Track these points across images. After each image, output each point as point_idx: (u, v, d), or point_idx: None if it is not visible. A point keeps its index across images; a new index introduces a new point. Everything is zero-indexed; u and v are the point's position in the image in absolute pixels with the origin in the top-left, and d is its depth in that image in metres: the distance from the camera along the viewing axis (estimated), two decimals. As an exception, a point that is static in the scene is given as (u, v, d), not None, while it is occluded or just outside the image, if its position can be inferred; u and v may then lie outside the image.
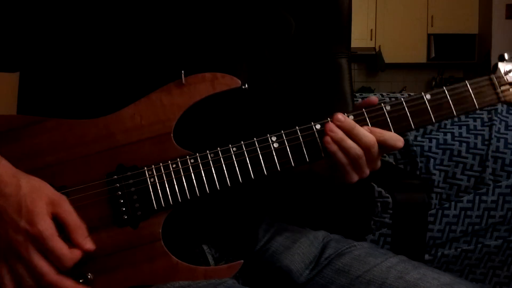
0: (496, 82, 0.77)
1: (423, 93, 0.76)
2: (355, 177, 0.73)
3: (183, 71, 0.73)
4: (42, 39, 0.75)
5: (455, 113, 0.76)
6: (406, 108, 0.75)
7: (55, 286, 0.64)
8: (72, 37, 0.75)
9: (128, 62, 0.75)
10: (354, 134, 0.71)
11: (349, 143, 0.71)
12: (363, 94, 1.64)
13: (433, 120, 0.75)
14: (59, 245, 0.63)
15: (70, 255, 0.64)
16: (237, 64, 0.83)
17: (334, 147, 0.71)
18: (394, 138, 0.72)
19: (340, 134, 0.71)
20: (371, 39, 5.99)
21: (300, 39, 1.27)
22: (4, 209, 0.61)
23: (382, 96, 1.60)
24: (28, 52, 0.77)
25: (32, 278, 0.63)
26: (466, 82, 0.76)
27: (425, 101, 0.75)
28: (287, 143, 0.73)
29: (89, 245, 0.66)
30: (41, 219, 0.62)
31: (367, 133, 0.71)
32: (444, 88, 0.76)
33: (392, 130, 0.74)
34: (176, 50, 0.78)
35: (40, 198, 0.63)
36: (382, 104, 0.75)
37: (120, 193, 0.70)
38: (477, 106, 0.76)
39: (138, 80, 0.75)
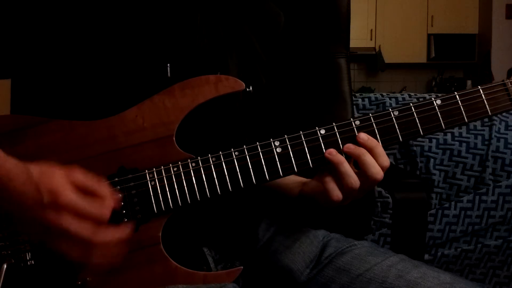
0: (511, 88, 0.74)
1: (433, 98, 0.73)
2: (340, 195, 0.72)
3: (168, 64, 0.73)
4: (33, 44, 0.75)
5: (466, 119, 0.73)
6: (415, 113, 0.72)
7: (103, 241, 0.63)
8: (61, 39, 0.75)
9: (115, 59, 0.75)
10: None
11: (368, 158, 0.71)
12: (363, 94, 1.64)
13: (443, 127, 0.73)
14: (89, 205, 0.62)
15: (103, 210, 0.63)
16: (226, 58, 0.82)
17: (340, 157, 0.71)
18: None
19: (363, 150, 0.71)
20: (371, 39, 5.98)
21: (299, 39, 1.27)
22: (24, 196, 0.60)
23: (382, 96, 1.60)
24: (19, 58, 0.77)
25: (78, 248, 0.62)
26: (479, 87, 0.74)
27: (435, 107, 0.73)
28: (291, 148, 0.72)
29: (116, 198, 0.65)
30: (63, 191, 0.61)
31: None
32: (456, 93, 0.74)
33: (400, 137, 0.72)
34: (163, 45, 0.77)
35: (53, 174, 0.62)
36: (390, 109, 0.73)
37: (120, 195, 0.70)
38: (489, 113, 0.73)
39: (125, 76, 0.75)
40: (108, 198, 0.64)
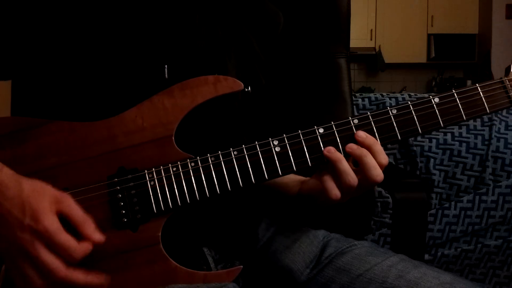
0: (509, 86, 0.74)
1: (431, 96, 0.73)
2: (338, 193, 0.72)
3: (166, 66, 0.73)
4: (33, 45, 0.75)
5: (464, 117, 0.73)
6: (413, 112, 0.73)
7: (66, 280, 0.63)
8: (60, 41, 0.75)
9: (113, 60, 0.75)
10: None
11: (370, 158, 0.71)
12: (363, 94, 1.64)
13: (442, 124, 0.73)
14: (67, 238, 0.62)
15: (79, 247, 0.63)
16: (225, 58, 0.82)
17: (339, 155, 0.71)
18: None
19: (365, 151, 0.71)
20: (371, 39, 5.99)
21: (298, 39, 1.27)
22: (8, 211, 0.61)
23: (382, 96, 1.60)
24: (19, 60, 0.77)
25: (42, 276, 0.62)
26: (477, 85, 0.74)
27: (433, 105, 0.73)
28: (289, 147, 0.72)
29: (98, 236, 0.65)
30: (46, 215, 0.61)
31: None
32: (454, 91, 0.74)
33: (399, 135, 0.73)
34: (160, 45, 0.77)
35: (43, 197, 0.62)
36: (388, 108, 0.73)
37: (120, 195, 0.70)
38: (488, 110, 0.73)
39: (123, 78, 0.75)
40: (91, 236, 0.64)
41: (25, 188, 0.62)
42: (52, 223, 0.61)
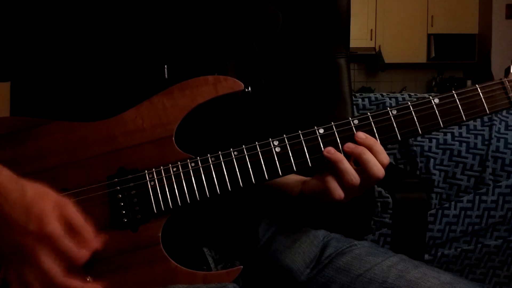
0: (509, 86, 0.74)
1: (431, 97, 0.73)
2: (341, 194, 0.72)
3: (166, 66, 0.73)
4: (32, 46, 0.75)
5: (464, 118, 0.73)
6: (413, 112, 0.73)
7: (64, 287, 0.62)
8: (59, 41, 0.74)
9: (113, 60, 0.75)
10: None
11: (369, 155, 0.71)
12: (363, 94, 1.64)
13: (442, 125, 0.73)
14: (70, 244, 0.62)
15: (81, 254, 0.63)
16: (224, 58, 0.82)
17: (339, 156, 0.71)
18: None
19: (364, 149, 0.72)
20: (371, 39, 5.99)
21: (298, 39, 1.27)
22: (9, 215, 0.60)
23: (382, 96, 1.60)
24: (18, 60, 0.77)
25: (40, 281, 0.61)
26: (477, 86, 0.74)
27: (433, 105, 0.73)
28: (289, 148, 0.72)
29: (98, 243, 0.65)
30: (50, 221, 0.61)
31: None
32: (453, 91, 0.74)
33: (399, 136, 0.73)
34: (160, 46, 0.77)
35: (46, 201, 0.62)
36: (388, 108, 0.73)
37: (120, 196, 0.70)
38: (487, 111, 0.73)
39: (123, 78, 0.75)
40: (90, 243, 0.64)
41: (28, 192, 0.61)
42: (56, 228, 0.61)
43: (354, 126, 0.73)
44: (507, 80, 0.75)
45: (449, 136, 1.48)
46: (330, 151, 0.71)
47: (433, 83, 6.14)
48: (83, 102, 0.75)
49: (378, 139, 0.72)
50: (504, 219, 1.46)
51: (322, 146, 0.72)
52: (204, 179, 0.70)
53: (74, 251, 0.62)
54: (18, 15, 0.74)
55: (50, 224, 0.60)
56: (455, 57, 5.98)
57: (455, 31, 5.92)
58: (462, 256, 1.47)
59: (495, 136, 1.47)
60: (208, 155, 0.71)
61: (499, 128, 1.49)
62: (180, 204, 0.70)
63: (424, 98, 0.74)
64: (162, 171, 0.70)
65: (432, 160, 1.47)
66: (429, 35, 5.98)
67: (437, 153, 1.48)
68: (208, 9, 0.83)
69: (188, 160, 0.71)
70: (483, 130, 1.49)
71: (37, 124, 0.71)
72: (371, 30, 5.97)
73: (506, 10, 5.51)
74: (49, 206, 0.62)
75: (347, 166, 0.70)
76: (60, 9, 0.74)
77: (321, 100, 1.29)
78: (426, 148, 1.48)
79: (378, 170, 0.71)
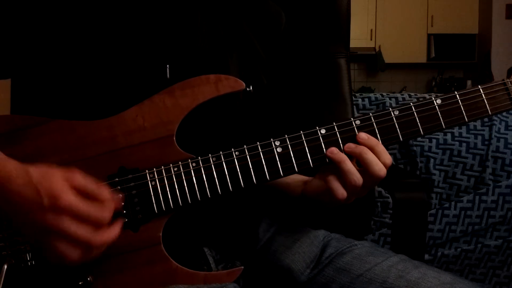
0: (511, 87, 0.74)
1: (433, 98, 0.73)
2: (344, 193, 0.72)
3: (168, 65, 0.73)
4: (33, 44, 0.75)
5: (466, 119, 0.73)
6: (415, 113, 0.72)
7: (103, 242, 0.63)
8: (61, 40, 0.75)
9: (115, 59, 0.75)
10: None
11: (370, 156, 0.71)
12: (363, 94, 1.64)
13: (443, 126, 0.73)
14: (90, 208, 0.62)
15: (103, 213, 0.63)
16: (226, 58, 0.82)
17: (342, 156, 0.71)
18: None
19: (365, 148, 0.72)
20: (371, 39, 5.99)
21: (298, 39, 1.27)
22: (22, 199, 0.61)
23: (382, 96, 1.60)
24: (19, 58, 0.77)
25: (77, 248, 0.62)
26: (479, 86, 0.74)
27: (435, 106, 0.73)
28: (291, 148, 0.72)
29: (117, 197, 0.66)
30: (63, 192, 0.61)
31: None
32: (456, 92, 0.74)
33: (400, 136, 0.73)
34: (162, 45, 0.77)
35: (53, 177, 0.62)
36: (390, 109, 0.73)
37: (121, 195, 0.70)
38: (489, 112, 0.73)
39: (124, 77, 0.75)
40: (108, 201, 0.64)
41: (33, 174, 0.62)
42: (70, 196, 0.61)
43: (356, 127, 0.73)
44: (510, 81, 0.74)
45: (449, 136, 1.49)
46: (333, 151, 0.71)
47: (433, 83, 6.14)
48: (84, 100, 0.75)
49: (380, 140, 0.72)
50: (504, 219, 1.46)
51: (323, 147, 0.72)
52: (205, 179, 0.70)
53: (95, 213, 0.62)
54: (20, 13, 0.74)
55: (63, 195, 0.61)
56: (455, 57, 5.98)
57: (455, 31, 5.92)
58: (462, 256, 1.47)
59: (495, 136, 1.47)
60: (209, 155, 0.71)
61: (499, 128, 1.49)
62: (181, 204, 0.70)
63: (426, 98, 0.74)
64: (163, 170, 0.70)
65: (432, 160, 1.47)
66: (429, 35, 5.98)
67: (437, 153, 1.48)
68: (211, 8, 0.83)
69: (189, 160, 0.71)
70: (483, 130, 1.49)
71: (37, 122, 0.71)
72: (371, 30, 5.97)
73: (506, 10, 5.51)
74: (58, 180, 0.62)
75: (350, 166, 0.70)
76: (62, 7, 0.74)
77: (321, 100, 1.29)
78: (426, 148, 1.48)
79: (380, 169, 0.71)
